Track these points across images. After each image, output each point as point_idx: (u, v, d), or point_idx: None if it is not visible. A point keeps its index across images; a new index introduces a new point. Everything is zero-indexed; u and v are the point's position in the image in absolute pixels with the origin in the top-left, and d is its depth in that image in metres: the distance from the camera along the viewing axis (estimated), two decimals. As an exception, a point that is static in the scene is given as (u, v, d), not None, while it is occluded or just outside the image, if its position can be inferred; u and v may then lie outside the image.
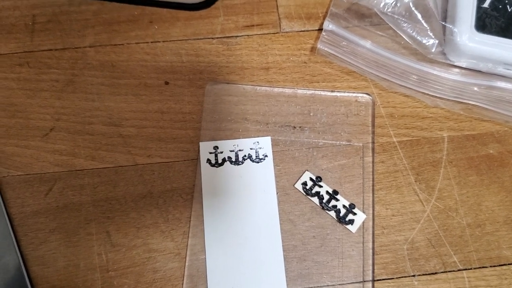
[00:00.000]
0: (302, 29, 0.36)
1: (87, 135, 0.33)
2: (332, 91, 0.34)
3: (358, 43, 0.34)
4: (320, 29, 0.35)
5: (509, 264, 0.31)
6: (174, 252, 0.30)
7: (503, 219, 0.32)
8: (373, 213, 0.31)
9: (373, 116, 0.33)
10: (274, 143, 0.33)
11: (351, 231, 0.31)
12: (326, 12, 0.36)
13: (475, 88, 0.33)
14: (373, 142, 0.33)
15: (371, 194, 0.32)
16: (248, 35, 0.35)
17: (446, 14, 0.34)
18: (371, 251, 0.31)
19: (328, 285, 0.30)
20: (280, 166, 0.32)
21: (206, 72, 0.34)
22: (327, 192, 0.32)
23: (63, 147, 0.32)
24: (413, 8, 0.33)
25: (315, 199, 0.31)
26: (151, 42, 0.35)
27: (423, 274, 0.30)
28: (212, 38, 0.35)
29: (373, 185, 0.32)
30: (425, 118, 0.34)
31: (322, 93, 0.34)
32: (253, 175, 0.32)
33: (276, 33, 0.36)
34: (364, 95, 0.34)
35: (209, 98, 0.34)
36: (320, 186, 0.32)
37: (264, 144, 0.33)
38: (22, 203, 0.31)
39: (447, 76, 0.33)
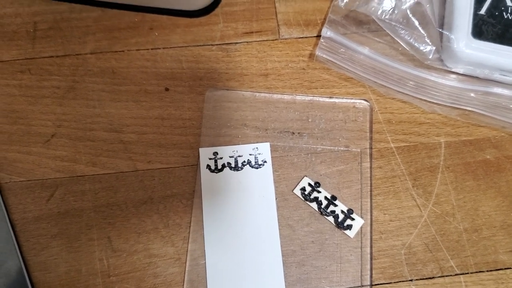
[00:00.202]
0: (301, 36, 0.36)
1: (88, 141, 0.33)
2: (330, 97, 0.34)
3: (356, 50, 0.34)
4: (319, 36, 0.36)
5: (505, 268, 0.31)
6: (174, 257, 0.31)
7: (500, 224, 0.32)
8: (371, 218, 0.32)
9: (371, 122, 0.34)
10: (273, 149, 0.33)
11: (349, 236, 0.31)
12: (325, 19, 0.36)
13: (472, 94, 0.33)
14: (371, 148, 0.33)
15: (369, 200, 0.32)
16: (247, 42, 0.36)
17: (443, 21, 0.34)
18: (369, 255, 0.31)
19: (326, 290, 0.30)
20: (279, 172, 0.33)
21: (206, 79, 0.35)
22: (326, 198, 0.32)
23: (64, 153, 0.33)
24: (410, 15, 0.34)
25: (314, 205, 0.32)
26: (152, 48, 0.35)
27: (421, 279, 0.31)
28: (211, 44, 0.36)
29: (371, 191, 0.32)
30: (423, 124, 0.34)
31: (321, 99, 0.34)
32: (252, 180, 0.32)
33: (275, 39, 0.36)
34: (362, 101, 0.34)
35: (209, 105, 0.34)
36: (319, 192, 0.32)
37: (263, 150, 0.33)
38: (24, 209, 0.31)
39: (444, 82, 0.34)
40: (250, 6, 0.37)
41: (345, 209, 0.32)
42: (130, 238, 0.31)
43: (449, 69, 0.34)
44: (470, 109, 0.34)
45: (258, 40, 0.36)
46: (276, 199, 0.32)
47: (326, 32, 0.35)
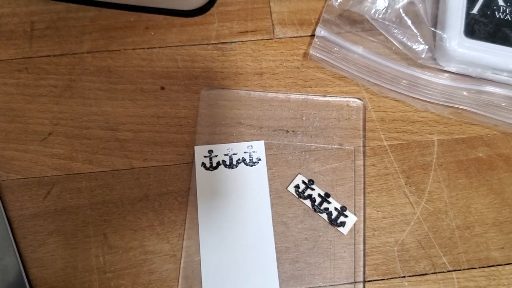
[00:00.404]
0: (295, 35, 0.36)
1: (84, 139, 0.33)
2: (324, 96, 0.35)
3: (350, 49, 0.35)
4: (313, 35, 0.36)
5: (497, 265, 0.31)
6: (169, 254, 0.31)
7: (492, 221, 0.32)
8: (364, 216, 0.32)
9: (364, 120, 0.34)
10: (268, 147, 0.33)
11: (342, 233, 0.32)
12: (319, 19, 0.37)
13: (465, 93, 0.34)
14: (364, 146, 0.34)
15: (362, 197, 0.32)
16: (242, 41, 0.36)
17: (436, 20, 0.35)
18: (362, 252, 0.31)
19: (320, 286, 0.31)
20: (273, 170, 0.33)
21: (201, 78, 0.35)
22: (319, 195, 0.32)
23: (61, 151, 0.33)
24: (403, 15, 0.34)
25: (308, 202, 0.32)
26: (147, 48, 0.36)
27: (413, 275, 0.31)
28: (207, 44, 0.36)
29: (364, 188, 0.33)
30: (416, 122, 0.34)
31: (315, 97, 0.35)
32: (247, 178, 0.33)
33: (270, 39, 0.36)
34: (356, 99, 0.35)
35: (204, 103, 0.34)
36: (313, 189, 0.32)
37: (257, 148, 0.33)
38: (21, 206, 0.32)
39: (437, 81, 0.34)
40: (245, 5, 0.37)
41: (338, 206, 0.32)
42: (125, 235, 0.31)
43: (441, 68, 0.34)
44: (462, 107, 0.34)
45: (253, 39, 0.36)
46: (270, 196, 0.32)
47: (320, 31, 0.35)
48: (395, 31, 0.34)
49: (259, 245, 0.31)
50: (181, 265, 0.31)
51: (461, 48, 0.33)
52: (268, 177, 0.33)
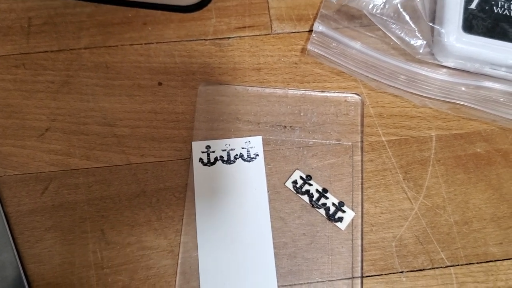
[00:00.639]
0: (293, 31, 0.36)
1: (82, 135, 0.33)
2: (322, 91, 0.35)
3: (348, 44, 0.35)
4: (311, 31, 0.36)
5: (495, 260, 0.31)
6: (167, 250, 0.31)
7: (490, 217, 0.32)
8: (362, 211, 0.32)
9: (362, 116, 0.34)
10: (265, 143, 0.33)
11: (340, 229, 0.32)
12: (317, 14, 0.37)
13: (463, 88, 0.34)
14: (362, 141, 0.33)
15: (360, 192, 0.32)
16: (240, 37, 0.36)
17: (434, 16, 0.35)
18: (360, 248, 0.31)
19: (318, 281, 0.31)
20: (271, 165, 0.33)
21: (199, 73, 0.35)
22: (317, 191, 0.32)
23: (58, 147, 0.33)
24: (401, 10, 0.34)
25: (305, 197, 0.32)
26: (145, 43, 0.36)
27: (411, 271, 0.31)
28: (204, 39, 0.36)
29: (362, 184, 0.33)
30: (414, 117, 0.34)
31: (312, 93, 0.35)
32: (244, 174, 0.33)
33: (268, 34, 0.36)
34: (354, 95, 0.35)
35: (202, 99, 0.34)
36: (310, 185, 0.32)
37: (255, 144, 0.33)
38: (18, 202, 0.32)
39: (435, 76, 0.34)
40: (243, 1, 0.37)
41: (336, 201, 0.32)
42: (123, 230, 0.31)
43: (440, 63, 0.34)
44: (461, 103, 0.34)
45: (250, 35, 0.36)
46: (268, 192, 0.32)
47: (318, 26, 0.35)
48: (393, 26, 0.34)
49: (257, 241, 0.31)
50: (179, 261, 0.31)
51: (459, 43, 0.33)
52: (266, 172, 0.33)
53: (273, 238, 0.31)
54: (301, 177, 0.32)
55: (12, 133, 0.33)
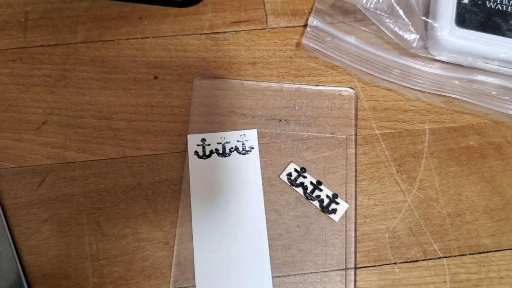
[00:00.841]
0: (288, 25, 0.37)
1: (78, 128, 0.34)
2: (316, 85, 0.35)
3: (342, 39, 0.35)
4: (306, 25, 0.36)
5: (487, 252, 0.32)
6: (162, 242, 0.31)
7: (483, 209, 0.33)
8: (355, 203, 0.32)
9: (356, 109, 0.34)
10: (260, 136, 0.34)
11: (334, 220, 0.32)
12: (311, 9, 0.37)
13: (456, 82, 0.34)
14: (356, 135, 0.34)
15: (353, 185, 0.33)
16: (235, 31, 0.36)
17: (427, 10, 0.35)
18: (353, 239, 0.32)
19: (311, 272, 0.31)
20: (266, 158, 0.33)
21: (195, 67, 0.35)
22: (311, 183, 0.32)
23: (55, 140, 0.33)
24: (395, 4, 0.34)
25: (300, 190, 0.32)
26: (141, 38, 0.36)
27: (404, 262, 0.31)
28: (200, 34, 0.36)
29: (355, 176, 0.33)
30: (407, 111, 0.35)
31: (307, 87, 0.35)
32: (239, 166, 0.33)
33: (263, 29, 0.36)
34: (348, 89, 0.35)
35: (197, 92, 0.34)
36: (305, 177, 0.33)
37: (250, 137, 0.34)
38: (15, 195, 0.32)
39: (428, 70, 0.34)
40: (238, -4, 0.37)
41: (330, 193, 0.32)
42: (119, 223, 0.32)
43: (433, 57, 0.34)
44: (454, 96, 0.34)
45: (246, 29, 0.36)
46: (263, 184, 0.33)
47: (313, 21, 0.35)
48: (387, 20, 0.34)
49: (252, 232, 0.32)
50: (174, 252, 0.31)
51: (452, 37, 0.33)
52: (260, 165, 0.33)
53: (268, 230, 0.32)
54: (295, 170, 0.33)
55: (9, 126, 0.34)
